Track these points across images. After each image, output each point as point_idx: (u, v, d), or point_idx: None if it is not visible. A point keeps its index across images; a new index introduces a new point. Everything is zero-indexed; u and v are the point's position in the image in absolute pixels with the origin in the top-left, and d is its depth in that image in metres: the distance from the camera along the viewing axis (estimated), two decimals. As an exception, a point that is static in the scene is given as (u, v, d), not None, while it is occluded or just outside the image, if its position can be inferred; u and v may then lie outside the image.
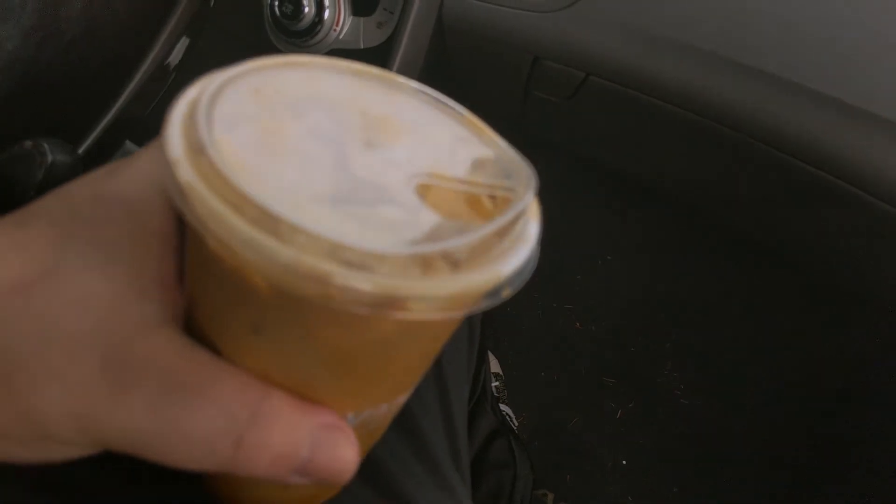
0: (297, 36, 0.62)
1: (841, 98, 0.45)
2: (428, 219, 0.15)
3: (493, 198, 0.17)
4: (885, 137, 0.45)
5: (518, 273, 0.15)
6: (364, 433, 0.20)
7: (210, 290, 0.16)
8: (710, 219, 0.66)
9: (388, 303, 0.13)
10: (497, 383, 0.93)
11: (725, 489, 0.97)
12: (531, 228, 0.16)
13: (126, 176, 0.18)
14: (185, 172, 0.14)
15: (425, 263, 0.14)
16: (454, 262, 0.14)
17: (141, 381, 0.15)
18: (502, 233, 0.15)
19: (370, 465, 0.32)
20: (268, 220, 0.13)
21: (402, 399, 0.20)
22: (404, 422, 0.36)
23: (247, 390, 0.15)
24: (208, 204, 0.13)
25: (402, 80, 0.19)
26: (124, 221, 0.17)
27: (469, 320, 0.49)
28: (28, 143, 0.51)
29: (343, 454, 0.16)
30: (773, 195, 0.53)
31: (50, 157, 0.50)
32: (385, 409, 0.20)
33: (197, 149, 0.14)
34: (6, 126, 0.55)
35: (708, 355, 1.03)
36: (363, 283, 0.13)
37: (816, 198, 0.49)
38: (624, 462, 1.00)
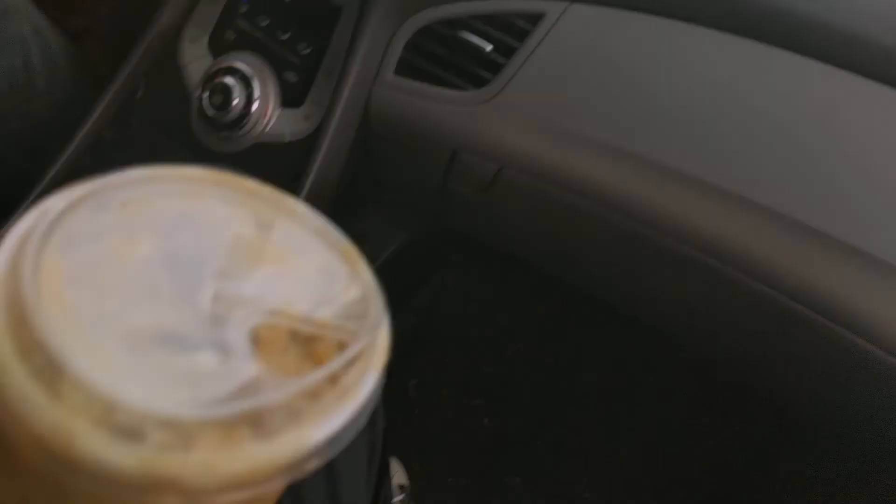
0: (225, 129, 0.63)
1: (749, 197, 0.47)
2: (246, 371, 0.13)
3: (340, 343, 0.15)
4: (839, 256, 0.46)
5: (331, 440, 0.13)
6: None
7: None
8: (625, 313, 0.67)
9: (153, 484, 0.11)
10: (402, 496, 0.86)
11: None
12: (367, 380, 0.15)
13: None
14: None
15: (223, 427, 0.12)
16: (257, 426, 0.12)
17: None
18: (333, 380, 0.14)
19: None
20: (51, 372, 0.11)
21: None
22: None
23: None
24: None
25: (290, 201, 0.19)
26: None
27: (370, 428, 0.46)
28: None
29: None
30: (681, 287, 0.54)
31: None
32: None
33: (13, 272, 0.13)
34: None
35: (613, 449, 0.98)
36: (124, 458, 0.11)
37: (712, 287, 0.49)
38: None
